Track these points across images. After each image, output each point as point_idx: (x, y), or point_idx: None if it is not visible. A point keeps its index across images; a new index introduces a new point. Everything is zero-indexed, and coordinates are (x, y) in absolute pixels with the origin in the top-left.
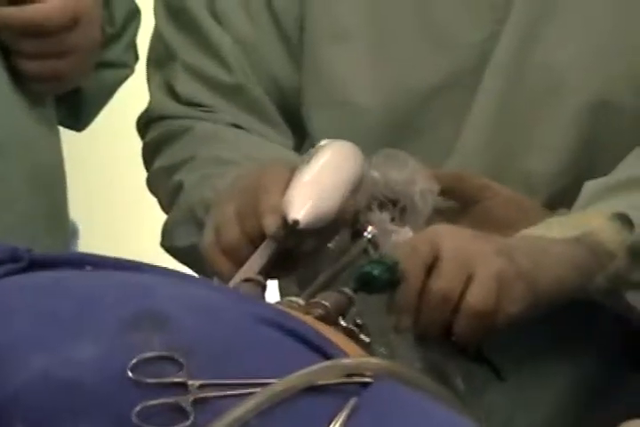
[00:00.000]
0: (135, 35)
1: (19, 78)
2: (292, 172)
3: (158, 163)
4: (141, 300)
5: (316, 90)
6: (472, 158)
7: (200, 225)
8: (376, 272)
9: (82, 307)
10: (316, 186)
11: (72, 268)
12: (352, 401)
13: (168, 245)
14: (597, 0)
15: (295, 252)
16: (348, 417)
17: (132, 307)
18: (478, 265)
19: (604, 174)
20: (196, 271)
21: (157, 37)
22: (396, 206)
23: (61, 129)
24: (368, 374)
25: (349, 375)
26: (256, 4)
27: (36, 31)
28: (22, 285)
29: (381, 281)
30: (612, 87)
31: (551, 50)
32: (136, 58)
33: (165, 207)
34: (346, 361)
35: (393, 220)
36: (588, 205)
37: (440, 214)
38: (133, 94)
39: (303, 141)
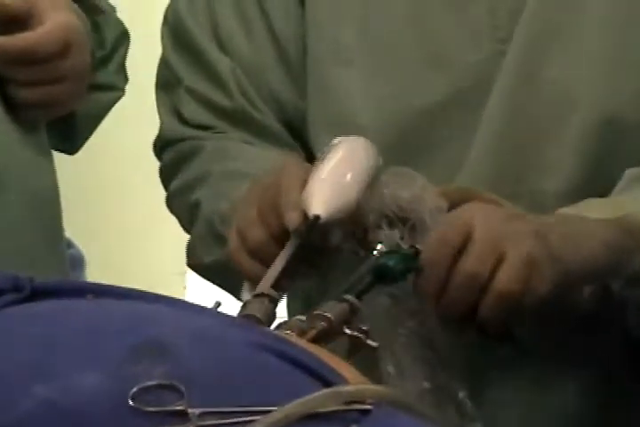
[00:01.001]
0: (125, 57)
1: (12, 106)
2: (308, 170)
3: (174, 184)
4: (142, 329)
5: (319, 111)
6: (480, 177)
7: (219, 238)
8: (391, 263)
9: (83, 336)
10: (333, 181)
11: (74, 296)
12: None
13: (192, 263)
14: (604, 17)
15: (320, 249)
16: None
17: (133, 336)
18: (510, 246)
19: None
20: (222, 287)
21: (164, 63)
22: (406, 224)
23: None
24: (368, 401)
25: (349, 403)
26: (257, 27)
27: (28, 59)
28: (24, 314)
29: (397, 271)
30: (621, 104)
31: (558, 67)
32: (126, 80)
33: (185, 226)
34: (346, 388)
35: (402, 238)
36: (628, 189)
37: None
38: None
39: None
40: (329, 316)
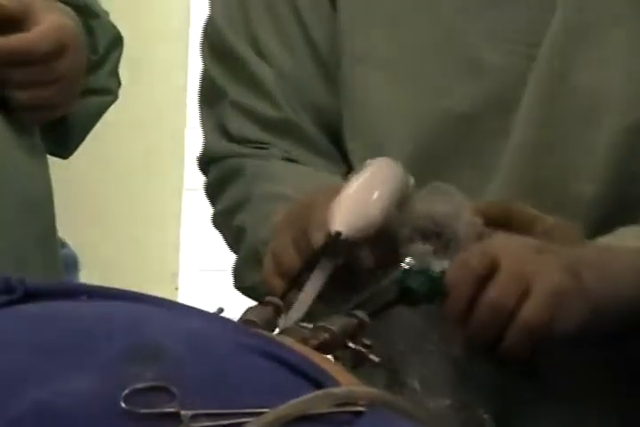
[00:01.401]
0: (118, 61)
1: (6, 109)
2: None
3: (218, 206)
4: (135, 331)
5: (351, 118)
6: (511, 185)
7: (262, 263)
8: (414, 284)
9: (75, 338)
10: (357, 199)
11: (67, 298)
12: None
13: (238, 286)
14: (632, 24)
15: (355, 271)
16: None
17: (125, 338)
18: (537, 279)
19: None
20: None
21: (205, 77)
22: (440, 239)
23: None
24: (360, 403)
25: (342, 405)
26: (294, 36)
27: (24, 59)
28: (16, 316)
29: (420, 293)
30: None
31: (589, 74)
32: (119, 84)
33: (231, 248)
34: (338, 390)
35: (435, 252)
36: None
37: None
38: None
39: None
40: (332, 328)
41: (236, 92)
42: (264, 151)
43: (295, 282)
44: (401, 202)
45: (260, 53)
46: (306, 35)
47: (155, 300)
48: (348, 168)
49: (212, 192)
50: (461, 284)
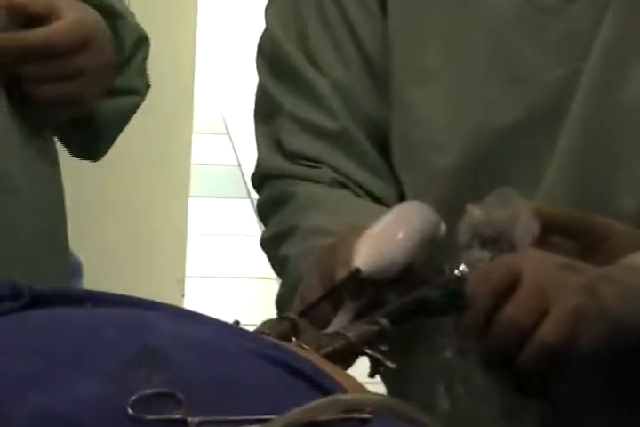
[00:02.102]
0: (144, 62)
1: (20, 108)
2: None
3: (267, 231)
4: (141, 337)
5: (398, 128)
6: (557, 199)
7: None
8: (432, 296)
9: (81, 345)
10: (380, 238)
11: (73, 304)
12: None
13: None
14: None
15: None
16: None
17: (131, 345)
18: (557, 298)
19: None
20: None
21: (262, 91)
22: (497, 245)
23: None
24: (368, 410)
25: (349, 411)
26: (348, 46)
27: (46, 53)
28: (22, 322)
29: (438, 305)
30: None
31: (635, 87)
32: (147, 85)
33: (278, 274)
34: (345, 397)
35: (492, 259)
36: None
37: (567, 256)
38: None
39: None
40: (348, 335)
41: (292, 104)
42: (316, 171)
43: (313, 307)
44: (430, 243)
45: (316, 65)
46: (360, 48)
47: (160, 306)
48: (400, 189)
49: (263, 214)
50: (480, 298)
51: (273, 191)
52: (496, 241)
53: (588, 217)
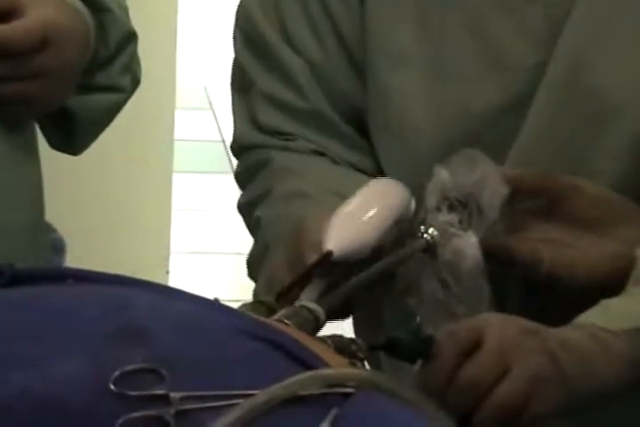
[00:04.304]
0: (131, 58)
1: None
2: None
3: (244, 196)
4: (123, 314)
5: (378, 114)
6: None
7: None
8: (403, 339)
9: (63, 322)
10: (351, 219)
11: (54, 282)
12: (333, 412)
13: (252, 277)
14: None
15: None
16: None
17: (113, 321)
18: (517, 361)
19: None
20: None
21: (237, 63)
22: (466, 209)
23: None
24: (350, 384)
25: (332, 386)
26: (324, 27)
27: (2, 53)
28: (3, 300)
29: (406, 350)
30: None
31: (603, 76)
32: (135, 82)
33: (252, 237)
34: (327, 372)
35: (461, 222)
36: None
37: (531, 215)
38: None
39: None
40: (329, 343)
41: (265, 81)
42: (293, 143)
43: (284, 297)
44: (401, 223)
45: (291, 43)
46: (334, 27)
47: (142, 283)
48: (374, 159)
49: (241, 182)
50: (446, 354)
51: (249, 160)
52: (464, 204)
53: (551, 177)
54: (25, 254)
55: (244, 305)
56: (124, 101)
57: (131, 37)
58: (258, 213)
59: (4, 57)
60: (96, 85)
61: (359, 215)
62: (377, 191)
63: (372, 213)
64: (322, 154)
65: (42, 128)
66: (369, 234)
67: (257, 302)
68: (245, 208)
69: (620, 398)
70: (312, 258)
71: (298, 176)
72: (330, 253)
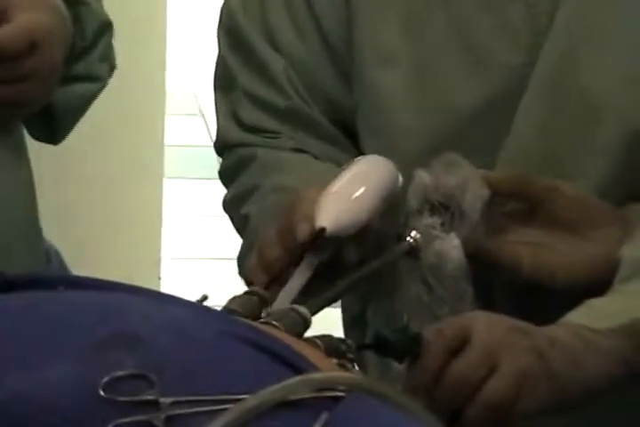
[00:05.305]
0: (108, 48)
1: None
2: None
3: (229, 193)
4: (113, 320)
5: (364, 113)
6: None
7: None
8: (391, 337)
9: (54, 328)
10: (343, 195)
11: (45, 288)
12: (324, 416)
13: (241, 275)
14: (635, 27)
15: (339, 267)
16: None
17: (103, 327)
18: (505, 359)
19: None
20: None
21: (220, 64)
22: (447, 211)
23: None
24: (340, 388)
25: (322, 390)
26: (307, 25)
27: None
28: None
29: (395, 348)
30: None
31: (589, 75)
32: (110, 70)
33: (240, 235)
34: (317, 376)
35: (443, 224)
36: (630, 279)
37: (511, 217)
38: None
39: None
40: (319, 344)
41: (246, 79)
42: (276, 141)
43: (278, 277)
44: (389, 199)
45: (273, 41)
46: (318, 25)
47: (133, 289)
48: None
49: (225, 179)
50: (434, 352)
51: (233, 158)
52: (446, 207)
53: (530, 180)
54: (20, 257)
55: (234, 298)
56: (101, 90)
57: (106, 27)
58: (245, 209)
59: None
60: (75, 76)
61: (349, 192)
62: (365, 168)
63: (361, 189)
64: (303, 152)
65: (23, 120)
66: (359, 210)
67: (248, 293)
68: (231, 205)
69: (608, 395)
70: (303, 231)
71: (283, 172)
72: (323, 230)
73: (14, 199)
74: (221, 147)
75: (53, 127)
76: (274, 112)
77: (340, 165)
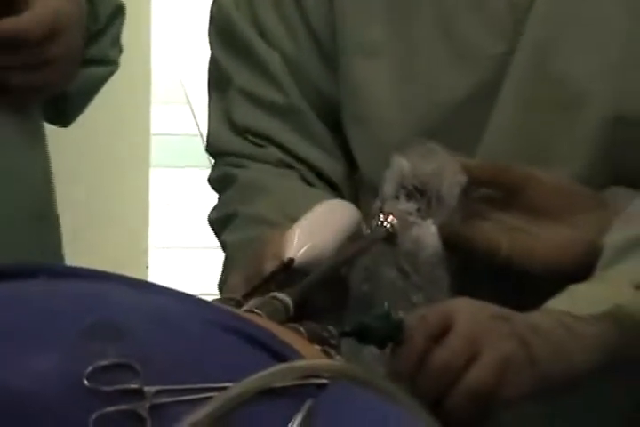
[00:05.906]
0: (119, 31)
1: (3, 90)
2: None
3: (213, 213)
4: (97, 309)
5: (348, 106)
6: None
7: None
8: (374, 324)
9: (36, 317)
10: (310, 230)
11: (28, 278)
12: (308, 403)
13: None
14: (614, 14)
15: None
16: (304, 419)
17: (87, 316)
18: (487, 345)
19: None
20: None
21: (213, 63)
22: (424, 197)
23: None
24: (324, 375)
25: (305, 378)
26: (295, 20)
27: (16, 44)
28: None
29: (377, 335)
30: (630, 102)
31: (567, 63)
32: (120, 53)
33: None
34: (301, 363)
35: (419, 210)
36: (612, 265)
37: (489, 204)
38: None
39: (355, 167)
40: (302, 331)
41: (243, 78)
42: (262, 151)
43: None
44: (352, 235)
45: (265, 37)
46: (306, 20)
47: (117, 278)
48: (349, 167)
49: (214, 189)
50: (416, 339)
51: (220, 171)
52: (422, 192)
53: (507, 168)
54: (37, 238)
55: (212, 301)
56: (112, 73)
57: (119, 11)
58: (224, 237)
59: (16, 48)
60: (88, 59)
61: (316, 227)
62: (331, 207)
63: (328, 224)
64: (289, 165)
65: None
66: (326, 243)
67: (225, 299)
68: (214, 225)
69: (591, 381)
70: (269, 265)
71: (260, 198)
72: (291, 261)
73: (32, 182)
74: (213, 153)
75: (65, 110)
76: (271, 110)
77: (327, 175)
